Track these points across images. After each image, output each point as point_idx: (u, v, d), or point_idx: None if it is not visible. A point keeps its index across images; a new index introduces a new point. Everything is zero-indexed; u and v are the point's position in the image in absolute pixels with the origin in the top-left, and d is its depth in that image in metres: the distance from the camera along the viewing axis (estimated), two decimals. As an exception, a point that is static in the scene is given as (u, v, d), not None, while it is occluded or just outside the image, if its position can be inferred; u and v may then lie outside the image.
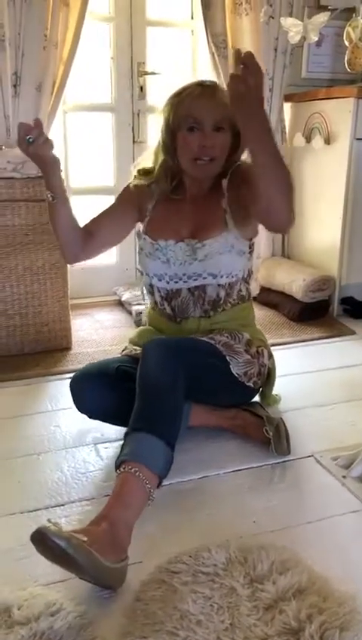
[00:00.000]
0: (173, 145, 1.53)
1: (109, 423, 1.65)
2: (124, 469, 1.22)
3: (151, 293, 1.69)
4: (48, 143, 1.41)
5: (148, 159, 1.65)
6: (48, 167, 1.46)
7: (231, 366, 1.53)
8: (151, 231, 1.63)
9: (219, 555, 1.18)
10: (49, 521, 1.08)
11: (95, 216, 1.68)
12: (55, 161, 1.46)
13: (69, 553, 1.03)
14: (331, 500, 1.41)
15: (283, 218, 1.43)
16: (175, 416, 1.32)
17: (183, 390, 1.35)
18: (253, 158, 1.36)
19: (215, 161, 1.52)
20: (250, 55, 1.18)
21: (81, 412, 1.58)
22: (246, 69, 1.18)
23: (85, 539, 1.06)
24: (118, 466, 1.25)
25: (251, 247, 1.65)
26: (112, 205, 1.71)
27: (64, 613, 1.05)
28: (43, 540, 1.05)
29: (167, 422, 1.30)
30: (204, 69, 2.75)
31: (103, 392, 1.53)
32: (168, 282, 1.61)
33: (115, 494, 1.19)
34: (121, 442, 1.61)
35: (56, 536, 1.03)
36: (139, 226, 1.69)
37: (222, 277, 1.58)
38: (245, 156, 1.57)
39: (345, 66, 2.65)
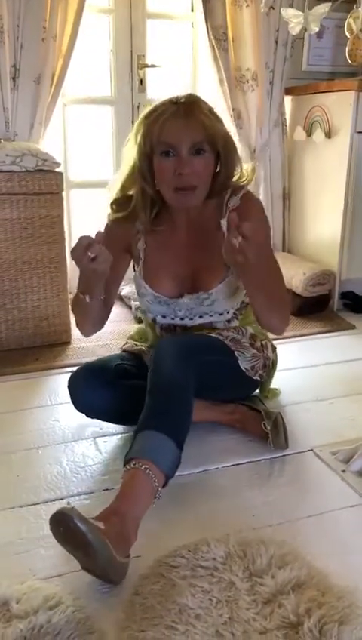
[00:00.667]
0: (150, 171, 1.40)
1: (108, 422, 1.65)
2: (134, 464, 1.21)
3: (152, 325, 1.63)
4: (109, 261, 1.26)
5: (117, 185, 1.50)
6: (98, 280, 1.31)
7: (239, 361, 1.53)
8: (149, 279, 1.54)
9: (218, 550, 1.17)
10: (68, 503, 1.07)
11: None
12: (105, 275, 1.29)
13: (89, 539, 1.03)
14: (330, 494, 1.40)
15: (275, 330, 1.52)
16: (186, 416, 1.32)
17: (194, 390, 1.35)
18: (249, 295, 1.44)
19: (197, 190, 1.38)
20: (248, 227, 1.18)
21: (80, 411, 1.57)
22: (245, 241, 1.19)
23: (103, 527, 1.07)
24: (127, 461, 1.24)
25: None
26: None
27: (63, 607, 1.05)
28: (65, 522, 1.05)
29: (177, 422, 1.29)
30: (204, 61, 2.74)
31: (101, 392, 1.51)
32: (173, 319, 1.57)
33: (124, 490, 1.19)
34: (120, 436, 1.64)
35: (79, 519, 1.04)
36: (134, 267, 1.60)
37: (228, 312, 1.57)
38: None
39: (345, 58, 2.63)
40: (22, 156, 2.10)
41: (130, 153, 1.44)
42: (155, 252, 1.54)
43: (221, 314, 1.56)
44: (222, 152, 1.40)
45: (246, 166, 1.53)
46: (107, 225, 1.54)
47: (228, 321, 1.59)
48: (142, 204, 1.46)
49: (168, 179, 1.37)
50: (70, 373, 1.57)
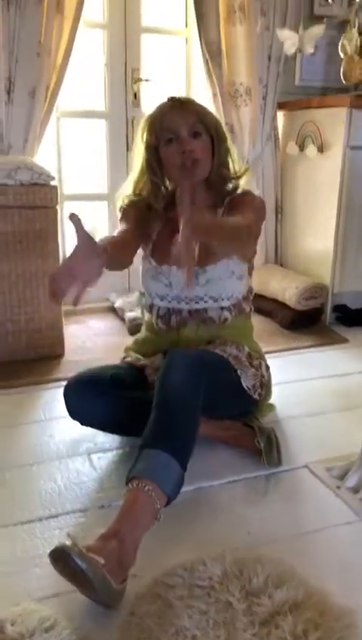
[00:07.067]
0: (159, 163, 1.56)
1: (102, 430, 1.65)
2: (136, 485, 1.19)
3: (150, 312, 1.68)
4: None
5: (128, 188, 1.64)
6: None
7: (241, 379, 1.54)
8: (155, 254, 1.64)
9: (214, 568, 1.17)
10: (68, 535, 1.07)
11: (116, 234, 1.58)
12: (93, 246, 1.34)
13: (88, 576, 1.03)
14: (326, 511, 1.40)
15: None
16: (192, 435, 1.31)
17: (201, 408, 1.34)
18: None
19: (200, 164, 1.53)
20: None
21: (74, 419, 1.57)
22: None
23: (103, 562, 1.06)
24: (129, 480, 1.22)
25: (251, 267, 1.68)
26: (123, 227, 1.61)
27: (58, 629, 1.04)
28: (64, 559, 1.05)
29: (183, 441, 1.28)
30: (197, 76, 2.76)
31: (96, 400, 1.52)
32: (170, 302, 1.62)
33: (126, 510, 1.18)
34: (115, 452, 1.63)
35: (79, 557, 1.03)
36: (144, 249, 1.68)
37: (223, 300, 1.60)
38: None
39: (338, 73, 2.67)
40: (17, 169, 2.10)
41: (138, 156, 1.60)
42: (163, 235, 1.62)
43: (215, 300, 1.59)
44: (214, 136, 1.56)
45: (240, 165, 1.66)
46: (122, 207, 1.65)
47: (221, 309, 1.60)
48: (154, 194, 1.61)
49: (175, 160, 1.52)
50: (64, 386, 1.56)
